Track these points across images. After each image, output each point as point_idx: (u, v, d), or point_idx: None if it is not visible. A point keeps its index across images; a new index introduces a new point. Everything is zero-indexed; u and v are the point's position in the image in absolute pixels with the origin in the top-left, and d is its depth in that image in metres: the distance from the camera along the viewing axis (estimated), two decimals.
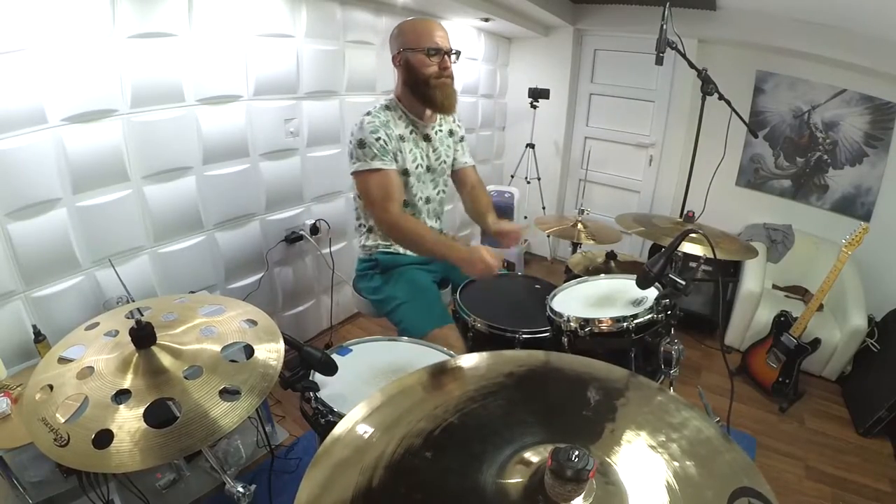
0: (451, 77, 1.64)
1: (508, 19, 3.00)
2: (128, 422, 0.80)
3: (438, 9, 2.81)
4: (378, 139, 1.57)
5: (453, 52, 1.64)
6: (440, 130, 1.80)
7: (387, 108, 1.68)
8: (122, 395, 0.84)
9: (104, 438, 0.77)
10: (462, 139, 1.91)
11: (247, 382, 0.89)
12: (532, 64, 3.70)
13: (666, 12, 1.96)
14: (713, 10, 2.91)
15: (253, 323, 1.04)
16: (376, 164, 1.56)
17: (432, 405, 0.78)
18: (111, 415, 0.81)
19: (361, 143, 1.57)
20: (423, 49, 1.58)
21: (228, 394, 0.86)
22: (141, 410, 0.81)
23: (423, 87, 1.62)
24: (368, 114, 1.64)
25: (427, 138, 1.75)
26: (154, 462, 0.77)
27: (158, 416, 0.82)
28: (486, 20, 3.03)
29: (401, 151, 1.65)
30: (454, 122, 1.87)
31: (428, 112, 1.72)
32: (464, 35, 3.23)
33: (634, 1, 3.10)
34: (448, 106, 1.67)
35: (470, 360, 0.94)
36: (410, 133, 1.70)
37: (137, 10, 1.66)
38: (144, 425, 0.79)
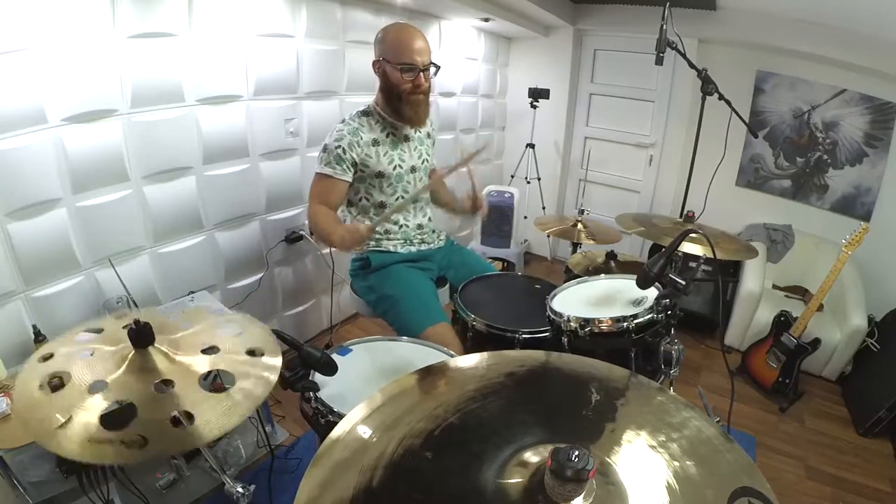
0: (424, 93, 1.67)
1: (508, 19, 3.00)
2: (87, 412, 0.80)
3: (438, 9, 2.81)
4: (338, 147, 1.64)
5: (432, 66, 1.66)
6: (419, 131, 1.84)
7: (364, 113, 1.74)
8: (98, 385, 0.84)
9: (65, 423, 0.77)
10: (434, 143, 1.96)
11: (206, 415, 0.84)
12: (532, 64, 3.70)
13: (666, 12, 1.96)
14: (713, 10, 2.91)
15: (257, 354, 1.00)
16: (326, 170, 1.65)
17: (432, 405, 0.78)
18: (78, 400, 0.81)
19: (324, 148, 1.68)
20: (399, 64, 1.61)
21: (180, 421, 0.83)
22: (104, 405, 0.81)
23: (395, 101, 1.67)
24: (342, 121, 1.71)
25: (407, 138, 1.79)
26: (93, 458, 0.77)
27: (122, 416, 0.81)
28: (486, 20, 3.03)
29: (371, 156, 1.69)
30: (430, 125, 1.91)
31: None
32: (464, 35, 3.23)
33: (634, 1, 3.10)
34: (416, 121, 1.73)
35: (470, 361, 0.94)
36: (387, 136, 1.74)
37: (137, 10, 1.66)
38: (96, 421, 0.79)
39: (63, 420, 0.78)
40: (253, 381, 0.92)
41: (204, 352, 0.96)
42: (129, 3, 1.63)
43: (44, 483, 1.37)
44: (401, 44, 1.62)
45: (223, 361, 0.96)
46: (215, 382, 0.91)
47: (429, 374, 0.90)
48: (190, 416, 0.83)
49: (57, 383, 0.84)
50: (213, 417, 0.84)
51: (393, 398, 0.81)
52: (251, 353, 0.99)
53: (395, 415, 0.76)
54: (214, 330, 1.03)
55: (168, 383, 0.88)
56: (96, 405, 0.81)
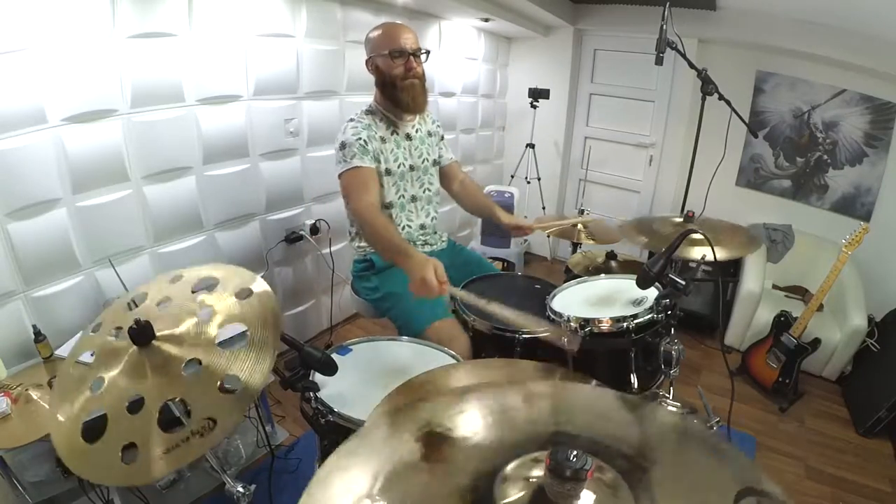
0: (418, 77, 1.68)
1: (508, 19, 3.00)
2: (146, 431, 0.81)
3: (438, 9, 2.81)
4: (358, 139, 1.62)
5: (421, 52, 1.67)
6: (419, 129, 1.84)
7: (368, 112, 1.74)
8: (135, 404, 0.85)
9: (130, 452, 0.79)
10: (442, 138, 1.95)
11: (245, 370, 0.89)
12: (532, 64, 3.70)
13: (666, 12, 1.96)
14: (713, 10, 2.91)
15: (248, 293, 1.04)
16: (356, 162, 1.61)
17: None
18: (130, 426, 0.82)
19: (343, 145, 1.64)
20: (388, 52, 1.62)
21: (228, 388, 0.87)
22: (155, 416, 0.83)
23: (391, 89, 1.67)
24: (351, 119, 1.70)
25: (408, 137, 1.79)
26: (181, 463, 0.80)
27: (167, 417, 0.83)
28: (486, 20, 3.03)
29: (382, 152, 1.69)
30: (432, 123, 1.91)
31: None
32: (464, 35, 3.23)
33: (634, 1, 3.10)
34: (415, 106, 1.71)
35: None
36: (391, 134, 1.74)
37: (137, 10, 1.66)
38: (161, 431, 0.81)
39: (131, 458, 0.79)
40: (261, 322, 0.96)
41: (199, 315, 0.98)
42: (129, 3, 1.63)
43: (44, 483, 1.37)
44: (387, 34, 1.65)
45: (224, 316, 0.98)
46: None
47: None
48: (233, 378, 0.86)
49: (95, 426, 0.85)
50: (253, 368, 0.88)
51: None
52: (240, 295, 1.02)
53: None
54: (191, 295, 1.05)
55: (196, 362, 0.90)
56: (147, 422, 0.82)
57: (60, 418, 0.87)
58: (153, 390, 0.86)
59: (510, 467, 0.62)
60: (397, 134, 1.76)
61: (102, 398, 0.88)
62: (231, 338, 0.98)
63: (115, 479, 0.80)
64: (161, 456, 0.78)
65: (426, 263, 1.30)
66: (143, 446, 0.79)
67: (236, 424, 0.84)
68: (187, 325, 0.97)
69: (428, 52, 1.70)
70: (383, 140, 1.70)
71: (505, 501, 0.58)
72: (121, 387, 0.88)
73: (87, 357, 0.98)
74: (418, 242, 1.85)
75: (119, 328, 0.99)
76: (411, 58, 1.64)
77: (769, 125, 3.09)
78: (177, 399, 0.85)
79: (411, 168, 1.79)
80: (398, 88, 1.66)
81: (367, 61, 1.71)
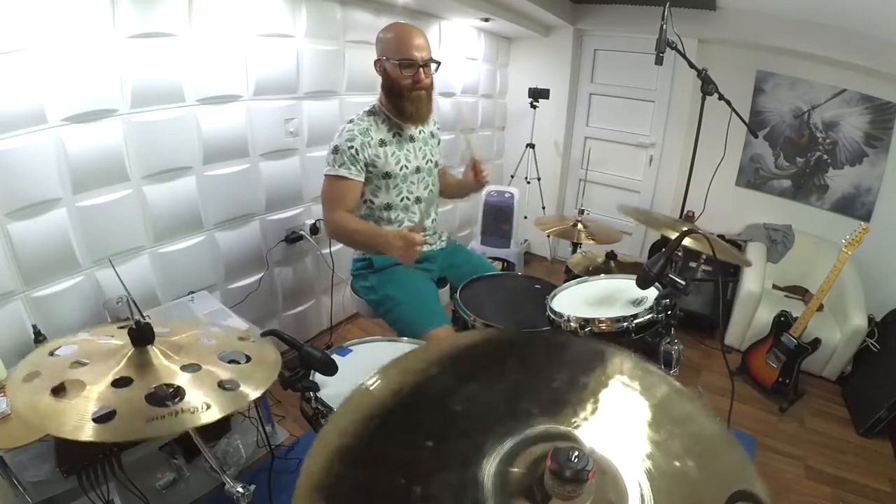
0: (425, 89, 1.67)
1: (508, 19, 3.00)
2: (129, 402, 0.80)
3: (438, 9, 2.81)
4: (351, 148, 1.62)
5: (432, 62, 1.66)
6: (423, 131, 1.84)
7: (370, 113, 1.73)
8: (121, 381, 0.85)
9: (107, 416, 0.78)
10: (439, 142, 1.95)
11: (246, 376, 0.90)
12: (532, 64, 3.70)
13: (666, 12, 1.96)
14: (713, 10, 2.91)
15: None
16: (341, 172, 1.62)
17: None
18: (111, 396, 0.81)
19: (335, 150, 1.64)
20: (398, 61, 1.61)
21: (226, 388, 0.87)
22: (144, 391, 0.82)
23: (397, 98, 1.67)
24: (350, 121, 1.69)
25: (412, 139, 1.79)
26: (158, 433, 0.79)
27: (169, 394, 0.84)
28: (486, 20, 3.03)
29: (380, 156, 1.69)
30: (433, 125, 1.91)
31: None
32: (464, 35, 3.23)
33: (634, 1, 3.10)
34: (418, 117, 1.73)
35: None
36: (393, 136, 1.74)
37: (137, 10, 1.66)
38: (142, 402, 0.80)
39: (91, 411, 0.77)
40: (264, 354, 0.97)
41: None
42: (129, 3, 1.63)
43: (44, 483, 1.37)
44: (400, 41, 1.63)
45: (226, 346, 0.98)
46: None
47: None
48: (232, 381, 0.88)
49: (62, 388, 0.83)
50: (253, 376, 0.90)
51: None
52: (242, 339, 1.04)
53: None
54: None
55: (194, 366, 0.90)
56: (135, 394, 0.82)
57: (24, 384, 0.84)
58: (146, 376, 0.85)
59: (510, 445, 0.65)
60: (400, 136, 1.75)
61: (82, 373, 0.86)
62: (232, 358, 0.99)
63: (70, 433, 0.75)
64: (142, 421, 0.78)
65: (395, 236, 1.49)
66: (121, 411, 0.78)
67: (229, 414, 0.84)
68: (189, 339, 0.98)
69: (438, 64, 1.69)
70: (382, 143, 1.70)
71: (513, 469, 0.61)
72: (105, 371, 0.86)
73: (66, 350, 0.96)
74: None
75: (112, 336, 0.98)
76: (420, 69, 1.63)
77: (769, 125, 3.09)
78: (169, 387, 0.85)
79: (417, 169, 1.79)
80: (404, 98, 1.66)
81: (375, 62, 1.70)
